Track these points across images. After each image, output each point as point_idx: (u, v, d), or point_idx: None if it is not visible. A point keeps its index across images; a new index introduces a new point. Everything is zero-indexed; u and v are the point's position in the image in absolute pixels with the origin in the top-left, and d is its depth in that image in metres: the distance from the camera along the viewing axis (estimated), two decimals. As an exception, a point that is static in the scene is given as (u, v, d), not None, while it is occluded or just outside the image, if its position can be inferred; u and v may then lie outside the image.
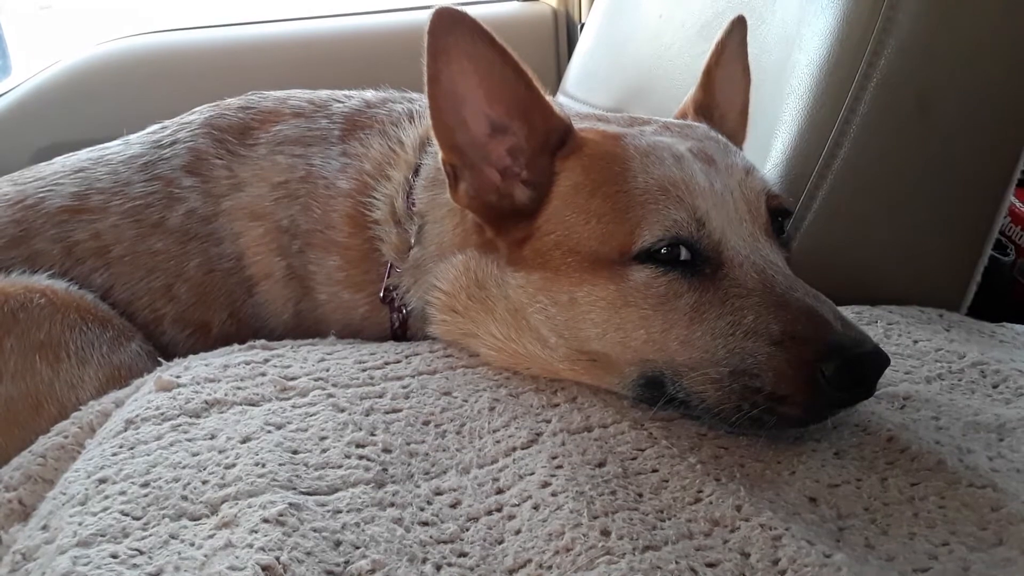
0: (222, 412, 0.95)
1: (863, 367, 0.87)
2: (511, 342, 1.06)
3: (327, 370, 1.05)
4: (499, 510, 0.81)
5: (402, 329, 1.23)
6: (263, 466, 0.83)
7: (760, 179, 1.06)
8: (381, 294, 1.23)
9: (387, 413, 0.96)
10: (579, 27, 2.74)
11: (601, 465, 0.86)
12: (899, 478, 0.83)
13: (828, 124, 1.25)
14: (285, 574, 0.68)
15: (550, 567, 0.72)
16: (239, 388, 1.00)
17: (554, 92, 2.48)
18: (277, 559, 0.69)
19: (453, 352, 1.11)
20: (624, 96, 2.01)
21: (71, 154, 1.41)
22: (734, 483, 0.81)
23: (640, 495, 0.81)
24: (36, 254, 1.27)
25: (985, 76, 1.24)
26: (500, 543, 0.76)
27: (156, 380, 1.02)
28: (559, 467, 0.85)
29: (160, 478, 0.82)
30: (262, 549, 0.70)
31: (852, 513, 0.79)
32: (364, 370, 1.05)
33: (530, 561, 0.73)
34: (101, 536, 0.74)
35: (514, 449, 0.90)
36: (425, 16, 0.97)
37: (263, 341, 1.15)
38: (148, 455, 0.86)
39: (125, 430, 0.92)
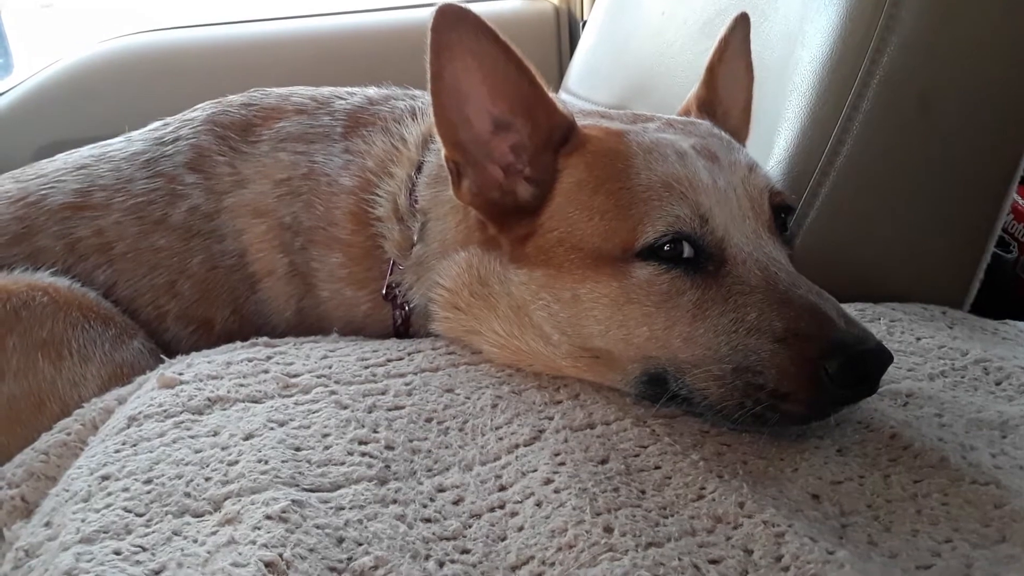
0: (225, 409, 0.95)
1: (866, 364, 0.87)
2: (514, 339, 1.06)
3: (330, 367, 1.05)
4: (502, 507, 0.81)
5: (405, 326, 1.23)
6: (266, 463, 0.83)
7: (763, 176, 1.06)
8: (384, 291, 1.23)
9: (390, 410, 0.96)
10: (581, 24, 2.74)
11: (604, 462, 0.86)
12: (902, 475, 0.83)
13: (831, 121, 1.25)
14: (288, 571, 0.68)
15: (553, 564, 0.72)
16: (242, 385, 1.00)
17: (556, 89, 2.48)
18: (280, 556, 0.69)
19: (456, 349, 1.11)
20: (626, 93, 2.01)
21: (73, 151, 1.41)
22: (737, 480, 0.81)
23: (643, 492, 0.81)
24: (39, 251, 1.27)
25: (987, 73, 1.24)
26: (503, 540, 0.76)
27: (159, 377, 1.02)
28: (562, 464, 0.85)
29: (163, 475, 0.82)
30: (265, 546, 0.70)
31: (855, 510, 0.79)
32: (367, 367, 1.05)
33: (533, 558, 0.73)
34: (104, 533, 0.74)
35: (517, 446, 0.90)
36: (428, 13, 0.96)
37: (266, 338, 1.15)
38: (151, 452, 0.86)
39: (128, 427, 0.92)
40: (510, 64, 1.00)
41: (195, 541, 0.73)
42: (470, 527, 0.78)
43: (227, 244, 1.28)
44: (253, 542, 0.71)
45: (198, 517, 0.77)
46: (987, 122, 1.26)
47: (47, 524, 0.79)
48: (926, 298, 1.28)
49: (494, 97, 1.02)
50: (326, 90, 1.40)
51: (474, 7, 0.96)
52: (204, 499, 0.79)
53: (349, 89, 1.40)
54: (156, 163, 1.32)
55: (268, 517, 0.74)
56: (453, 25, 0.96)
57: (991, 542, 0.74)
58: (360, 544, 0.74)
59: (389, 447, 0.89)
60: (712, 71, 1.26)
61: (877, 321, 1.19)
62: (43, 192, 1.31)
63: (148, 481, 0.81)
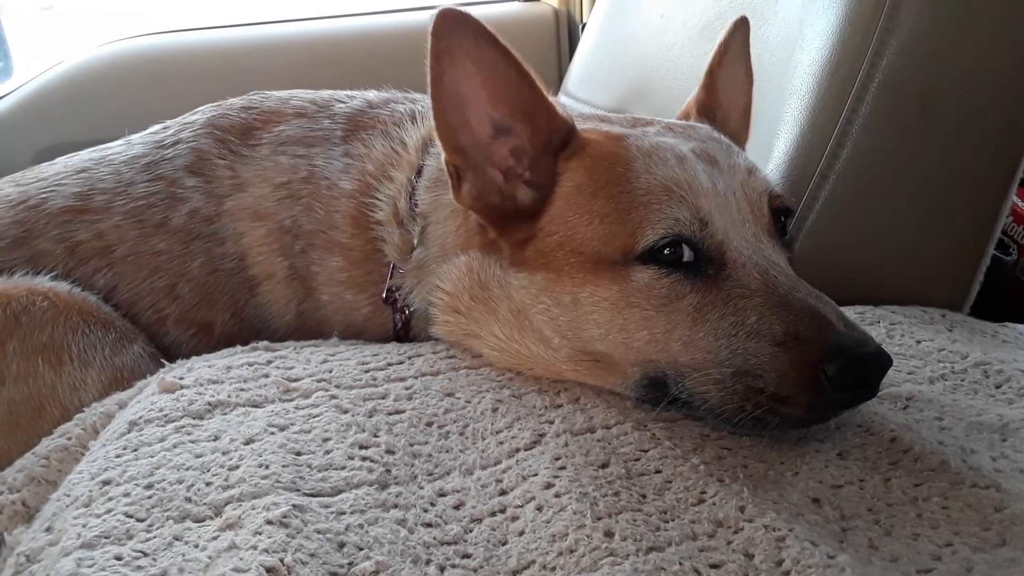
0: (225, 414, 0.95)
1: (866, 368, 0.87)
2: (514, 343, 1.06)
3: (330, 371, 1.05)
4: (503, 511, 0.81)
5: (405, 330, 1.23)
6: (267, 468, 0.83)
7: (762, 179, 1.06)
8: (384, 295, 1.23)
9: (390, 414, 0.96)
10: (580, 27, 2.74)
11: (604, 466, 0.86)
12: (902, 479, 0.83)
13: (830, 124, 1.25)
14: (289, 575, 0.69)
15: (554, 568, 0.72)
16: (242, 389, 1.00)
17: (556, 92, 2.48)
18: (281, 561, 0.69)
19: (456, 353, 1.11)
20: (626, 96, 2.01)
21: (73, 154, 1.41)
22: (737, 484, 0.81)
23: (644, 496, 0.81)
24: (39, 255, 1.27)
25: (987, 76, 1.24)
26: (504, 544, 0.76)
27: (159, 382, 1.02)
28: (562, 468, 0.85)
29: (164, 480, 0.82)
30: (266, 551, 0.70)
31: (856, 514, 0.79)
32: (367, 371, 1.05)
33: (534, 562, 0.73)
34: (105, 538, 0.74)
35: (517, 450, 0.90)
36: (428, 17, 0.97)
37: (266, 342, 1.15)
38: (152, 457, 0.86)
39: (128, 432, 0.92)
40: (510, 68, 1.00)
41: (196, 546, 0.73)
42: (471, 531, 0.78)
43: (227, 247, 1.29)
44: (254, 547, 0.71)
45: (199, 522, 0.77)
46: (986, 125, 1.26)
47: (48, 529, 0.80)
48: (926, 301, 1.29)
49: (494, 101, 1.02)
50: (326, 93, 1.40)
51: (474, 10, 0.97)
52: (205, 504, 0.79)
53: (349, 93, 1.40)
54: (156, 166, 1.32)
55: (269, 522, 0.74)
56: (453, 29, 0.97)
57: (991, 546, 0.74)
58: (361, 549, 0.74)
59: (390, 451, 0.89)
60: (711, 75, 1.26)
61: (877, 324, 1.19)
62: (43, 196, 1.31)
63: (149, 486, 0.81)
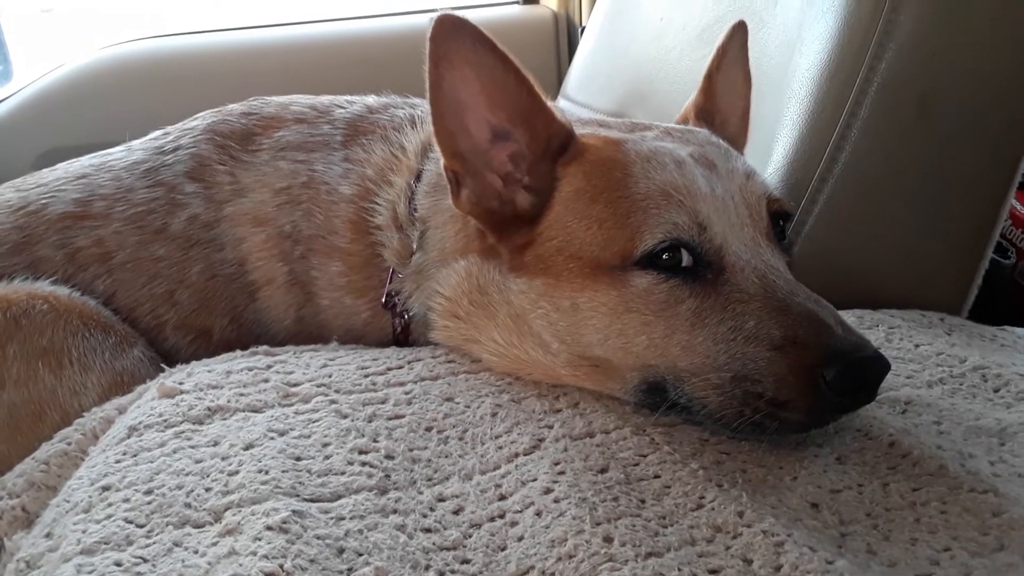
0: (225, 419, 0.95)
1: (864, 372, 0.87)
2: (513, 347, 1.06)
3: (330, 376, 1.05)
4: (502, 516, 0.81)
5: (404, 334, 1.23)
6: (266, 473, 0.83)
7: (761, 183, 1.06)
8: (383, 299, 1.23)
9: (390, 419, 0.96)
10: (580, 30, 2.74)
11: (603, 471, 0.86)
12: (901, 483, 0.83)
13: (829, 128, 1.25)
14: (289, 582, 0.69)
15: (553, 574, 0.72)
16: (242, 394, 1.00)
17: (555, 95, 2.48)
18: (281, 567, 0.69)
19: (455, 358, 1.11)
20: (625, 99, 2.01)
21: (74, 160, 1.42)
22: (736, 489, 0.82)
23: (642, 501, 0.81)
24: (38, 260, 1.27)
25: (986, 79, 1.24)
26: (503, 550, 0.77)
27: (159, 387, 1.02)
28: (561, 473, 0.85)
29: (163, 485, 0.82)
30: (266, 557, 0.70)
31: (854, 519, 0.79)
32: (366, 376, 1.05)
33: (533, 568, 0.73)
34: (105, 544, 0.74)
35: (516, 455, 0.90)
36: (427, 20, 0.97)
37: (266, 347, 1.15)
38: (151, 462, 0.87)
39: (128, 437, 0.92)
40: (508, 74, 1.00)
41: (196, 552, 0.73)
42: (470, 537, 0.78)
43: (226, 253, 1.29)
44: (254, 553, 0.71)
45: (199, 528, 0.77)
46: (985, 127, 1.26)
47: (48, 535, 0.80)
48: (924, 304, 1.29)
49: (492, 107, 1.02)
50: (326, 99, 1.41)
51: (473, 13, 0.97)
52: (205, 510, 0.79)
53: (348, 98, 1.41)
54: (156, 172, 1.33)
55: (269, 528, 0.74)
56: (451, 35, 0.97)
57: (989, 550, 0.74)
58: (361, 554, 0.74)
59: (389, 456, 0.89)
60: (710, 79, 1.26)
61: (875, 328, 1.19)
62: (43, 201, 1.32)
63: (149, 492, 0.81)
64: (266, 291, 1.29)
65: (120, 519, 0.77)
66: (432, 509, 0.82)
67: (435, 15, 0.96)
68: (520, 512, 0.81)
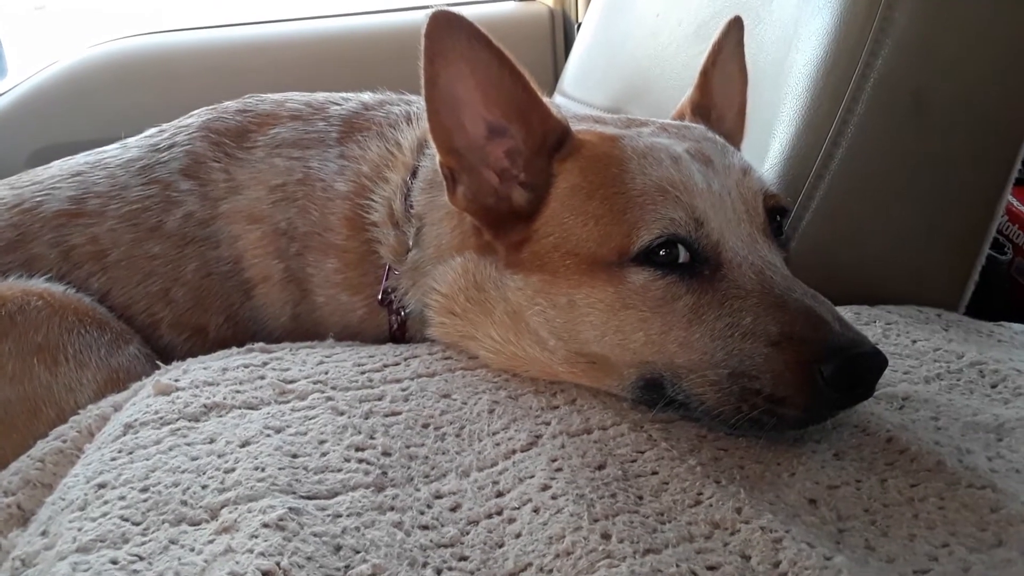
0: (221, 416, 0.95)
1: (861, 368, 0.87)
2: (510, 344, 1.06)
3: (326, 373, 1.05)
4: (499, 513, 0.81)
5: (400, 331, 1.23)
6: (262, 470, 0.83)
7: (758, 179, 1.06)
8: (379, 296, 1.23)
9: (386, 416, 0.96)
10: (576, 26, 2.74)
11: (601, 468, 0.86)
12: (899, 479, 0.83)
13: (825, 124, 1.25)
14: (286, 579, 0.69)
15: (551, 571, 0.72)
16: (238, 392, 1.00)
17: (551, 91, 2.48)
18: (278, 564, 0.69)
19: (452, 354, 1.11)
20: (621, 95, 2.01)
21: (68, 158, 1.41)
22: (734, 485, 0.81)
23: (640, 498, 0.81)
24: (33, 258, 1.27)
25: (982, 74, 1.24)
26: (500, 547, 0.76)
27: (154, 384, 1.02)
28: (559, 470, 0.85)
29: (159, 483, 0.82)
30: (262, 554, 0.70)
31: (852, 515, 0.79)
32: (363, 373, 1.05)
33: (530, 565, 0.73)
34: (101, 542, 0.74)
35: (514, 452, 0.90)
36: (422, 16, 0.96)
37: (261, 344, 1.14)
38: (147, 460, 0.86)
39: (124, 434, 0.92)
40: (504, 70, 1.00)
41: (192, 550, 0.73)
42: (467, 534, 0.78)
43: (222, 251, 1.28)
44: (250, 551, 0.71)
45: (195, 526, 0.77)
46: (981, 124, 1.26)
47: (43, 533, 0.79)
48: (921, 300, 1.29)
49: (488, 103, 1.02)
50: (321, 95, 1.40)
51: (469, 9, 0.97)
52: (201, 507, 0.79)
53: (344, 94, 1.40)
54: (151, 170, 1.32)
55: (265, 525, 0.74)
56: (447, 31, 0.97)
57: (988, 546, 0.74)
58: (358, 552, 0.74)
59: (386, 453, 0.89)
60: (706, 75, 1.26)
61: (873, 324, 1.19)
62: (38, 199, 1.31)
63: (145, 489, 0.81)
64: (262, 288, 1.29)
65: (116, 517, 0.77)
66: (429, 506, 0.82)
67: (430, 11, 0.96)
68: (517, 509, 0.81)
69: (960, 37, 1.23)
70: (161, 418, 0.94)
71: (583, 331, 1.00)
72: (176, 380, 1.03)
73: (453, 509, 0.82)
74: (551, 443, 0.90)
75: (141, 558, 0.72)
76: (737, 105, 1.29)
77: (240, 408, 0.97)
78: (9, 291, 1.19)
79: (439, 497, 0.83)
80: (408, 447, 0.91)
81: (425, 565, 0.73)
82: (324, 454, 0.88)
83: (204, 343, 1.29)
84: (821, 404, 0.88)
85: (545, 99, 1.05)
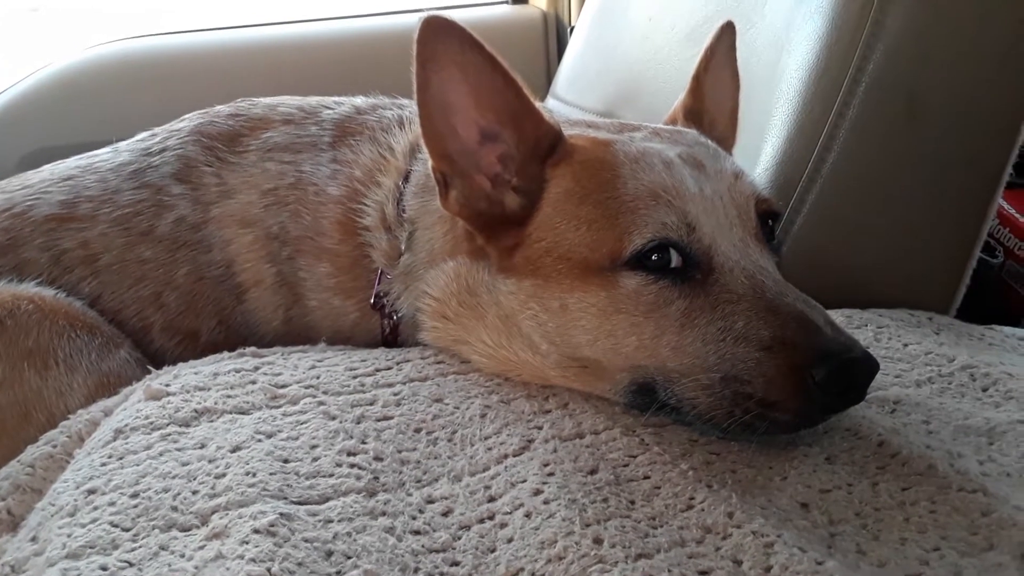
0: (212, 421, 0.95)
1: (853, 372, 0.87)
2: (502, 348, 1.06)
3: (318, 377, 1.04)
4: (491, 518, 0.81)
5: (393, 335, 1.23)
6: (253, 475, 0.83)
7: (749, 184, 1.06)
8: (372, 300, 1.22)
9: (378, 420, 0.96)
10: (569, 30, 2.74)
11: (593, 472, 0.86)
12: (890, 483, 0.83)
13: (817, 128, 1.26)
14: (276, 585, 0.68)
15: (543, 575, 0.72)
16: (229, 396, 0.99)
17: (544, 95, 2.48)
18: (268, 571, 0.69)
19: (444, 358, 1.11)
20: (614, 98, 2.01)
21: (59, 162, 1.41)
22: (726, 489, 0.81)
23: (632, 502, 0.81)
24: (24, 263, 1.26)
25: (973, 79, 1.25)
26: (492, 552, 0.76)
27: (145, 389, 1.01)
28: (551, 474, 0.85)
29: (149, 488, 0.82)
30: (253, 560, 0.70)
31: (843, 519, 0.79)
32: (355, 377, 1.05)
33: (523, 570, 0.73)
34: (90, 548, 0.74)
35: (506, 456, 0.90)
36: (414, 19, 0.96)
37: (253, 348, 1.14)
38: (137, 465, 0.86)
39: (114, 440, 0.92)
40: (496, 75, 1.00)
41: (182, 556, 0.73)
42: (459, 539, 0.78)
43: (214, 255, 1.28)
44: (241, 556, 0.71)
45: (185, 531, 0.76)
46: (973, 127, 1.27)
47: (33, 539, 0.79)
48: (913, 304, 1.29)
49: (480, 108, 1.02)
50: (313, 100, 1.40)
51: (461, 12, 0.97)
52: (191, 513, 0.78)
53: (336, 99, 1.40)
54: (143, 174, 1.32)
55: (256, 531, 0.74)
56: (438, 37, 0.97)
57: (979, 550, 0.74)
58: (349, 557, 0.74)
59: (378, 458, 0.89)
60: (698, 80, 1.26)
61: (864, 327, 1.19)
62: (29, 203, 1.31)
63: (135, 495, 0.81)
64: (254, 293, 1.29)
65: (106, 523, 0.77)
66: (421, 511, 0.82)
67: (422, 16, 0.96)
68: (510, 514, 0.80)
69: (952, 41, 1.23)
70: (152, 423, 0.94)
71: (575, 335, 0.99)
72: (167, 385, 1.02)
73: (445, 514, 0.82)
74: (543, 447, 0.90)
75: (131, 564, 0.72)
76: (729, 110, 1.29)
77: (231, 413, 0.96)
78: (-1, 296, 1.19)
79: (431, 502, 0.83)
80: (400, 452, 0.90)
81: (417, 570, 0.73)
82: (315, 459, 0.87)
83: (195, 347, 1.28)
84: (813, 408, 0.88)
85: (537, 104, 1.05)
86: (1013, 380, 1.04)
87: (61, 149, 1.57)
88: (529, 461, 0.88)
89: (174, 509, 0.79)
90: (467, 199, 1.06)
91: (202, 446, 0.89)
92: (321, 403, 0.98)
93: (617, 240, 0.97)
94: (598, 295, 0.98)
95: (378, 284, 1.22)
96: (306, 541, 0.74)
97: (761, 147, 1.32)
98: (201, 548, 0.73)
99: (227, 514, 0.77)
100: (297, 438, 0.91)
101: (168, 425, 0.94)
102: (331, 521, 0.78)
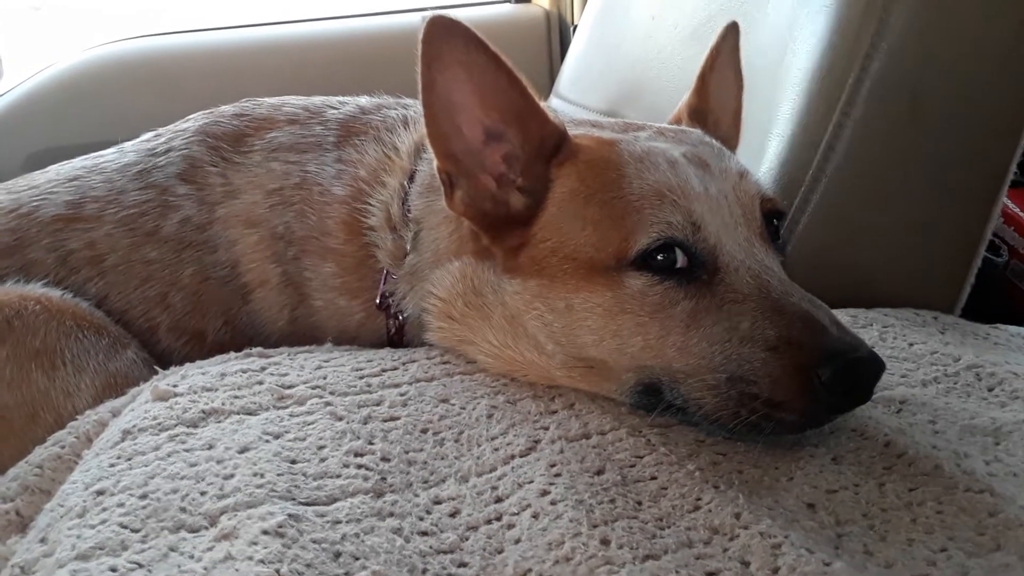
0: (219, 421, 0.95)
1: (859, 372, 0.87)
2: (508, 349, 1.06)
3: (324, 378, 1.05)
4: (498, 519, 0.81)
5: (398, 336, 1.23)
6: (261, 476, 0.83)
7: (754, 183, 1.06)
8: (377, 301, 1.22)
9: (385, 421, 0.96)
10: (572, 29, 2.74)
11: (600, 473, 0.86)
12: (897, 483, 0.83)
13: (822, 127, 1.25)
14: (285, 587, 0.68)
15: (550, 577, 0.72)
16: (236, 397, 1.00)
17: (547, 94, 2.48)
18: (277, 572, 0.69)
19: (450, 359, 1.11)
20: (617, 97, 2.01)
21: (65, 162, 1.41)
22: (733, 490, 0.82)
23: (639, 503, 0.81)
24: (30, 263, 1.27)
25: (978, 79, 1.25)
26: (500, 552, 0.76)
27: (153, 389, 1.01)
28: (558, 475, 0.85)
29: (158, 489, 0.82)
30: (262, 561, 0.70)
31: (851, 519, 0.79)
32: (361, 377, 1.05)
33: (530, 571, 0.73)
34: (100, 549, 0.74)
35: (512, 457, 0.90)
36: (419, 20, 0.96)
37: (260, 349, 1.14)
38: (146, 466, 0.86)
39: (122, 441, 0.92)
40: (501, 74, 1.00)
41: (192, 557, 0.73)
42: (467, 540, 0.78)
43: (219, 255, 1.28)
44: (250, 558, 0.71)
45: (194, 532, 0.77)
46: (977, 127, 1.27)
47: (42, 540, 0.79)
48: (918, 303, 1.29)
49: (485, 108, 1.02)
50: (318, 100, 1.40)
51: (465, 12, 0.97)
52: (200, 514, 0.78)
53: (341, 98, 1.40)
54: (148, 174, 1.32)
55: (265, 532, 0.74)
56: (443, 37, 0.97)
57: (986, 551, 0.74)
58: (357, 559, 0.74)
59: (385, 459, 0.89)
60: (703, 79, 1.26)
61: (869, 327, 1.19)
62: (35, 204, 1.31)
63: (143, 496, 0.81)
64: (259, 293, 1.29)
65: (115, 524, 0.77)
66: (428, 512, 0.82)
67: (427, 16, 0.96)
68: (517, 514, 0.81)
69: (956, 41, 1.23)
70: (159, 424, 0.94)
71: (581, 335, 1.00)
72: (174, 386, 1.02)
73: (452, 515, 0.82)
74: (550, 448, 0.90)
75: (140, 565, 0.72)
76: (733, 109, 1.29)
77: (238, 414, 0.96)
78: (6, 296, 1.19)
79: (438, 503, 0.83)
80: (407, 452, 0.91)
81: (425, 571, 0.73)
82: (323, 460, 0.88)
83: (202, 347, 1.29)
84: (819, 408, 0.88)
85: (542, 103, 1.05)
86: (1019, 379, 1.04)
87: (66, 149, 1.57)
88: (536, 462, 0.88)
89: (183, 510, 0.79)
90: (472, 199, 1.06)
91: (210, 447, 0.89)
92: (328, 404, 0.98)
93: (623, 240, 0.97)
94: (604, 295, 0.98)
95: (383, 284, 1.22)
96: (314, 542, 0.74)
97: (765, 146, 1.32)
98: (210, 549, 0.73)
99: (236, 515, 0.77)
100: (304, 439, 0.91)
101: (176, 426, 0.94)
102: (339, 522, 0.78)
